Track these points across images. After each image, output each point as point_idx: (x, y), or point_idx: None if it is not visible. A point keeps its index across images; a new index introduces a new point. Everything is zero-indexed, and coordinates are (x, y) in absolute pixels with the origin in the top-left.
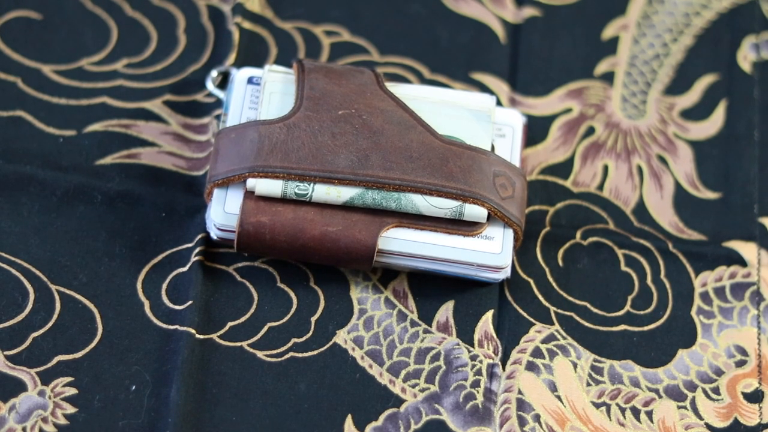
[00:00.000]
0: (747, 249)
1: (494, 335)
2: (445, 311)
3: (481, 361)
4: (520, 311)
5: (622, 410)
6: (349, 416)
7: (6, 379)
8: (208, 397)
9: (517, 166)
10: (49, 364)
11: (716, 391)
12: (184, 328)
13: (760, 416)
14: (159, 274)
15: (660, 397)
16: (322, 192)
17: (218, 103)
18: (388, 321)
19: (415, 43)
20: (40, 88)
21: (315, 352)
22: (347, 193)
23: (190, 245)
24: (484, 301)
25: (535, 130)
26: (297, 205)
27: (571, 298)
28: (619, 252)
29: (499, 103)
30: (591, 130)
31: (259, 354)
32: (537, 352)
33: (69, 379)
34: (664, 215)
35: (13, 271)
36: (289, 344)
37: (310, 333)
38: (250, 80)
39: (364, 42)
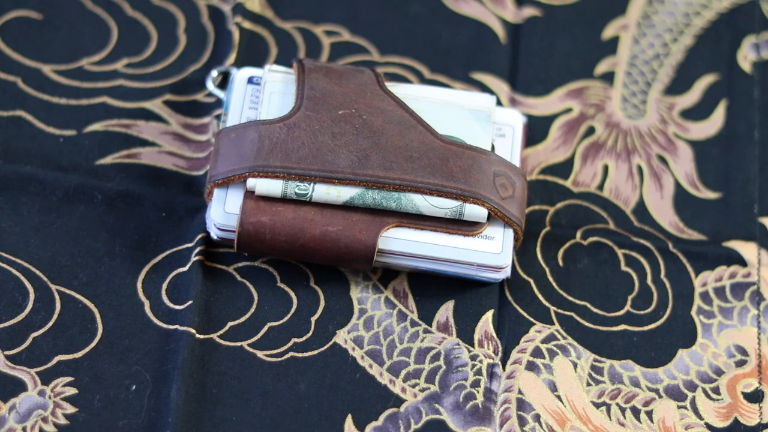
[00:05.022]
0: (747, 249)
1: (494, 335)
2: (445, 311)
3: (481, 361)
4: (520, 311)
5: (622, 410)
6: (349, 416)
7: (6, 378)
8: (208, 397)
9: (517, 166)
10: (49, 364)
11: (716, 390)
12: (184, 328)
13: (760, 416)
14: (159, 274)
15: (660, 396)
16: (323, 192)
17: (218, 102)
18: (388, 321)
19: (415, 43)
20: (40, 88)
21: (315, 352)
22: (347, 193)
23: (190, 245)
24: (484, 301)
25: (535, 130)
26: (297, 205)
27: (571, 298)
28: (619, 252)
29: (499, 103)
30: (591, 130)
31: (259, 354)
32: (537, 352)
33: (69, 378)
34: (664, 215)
35: (14, 271)
36: (289, 344)
37: (310, 333)
38: (250, 80)
39: (364, 42)
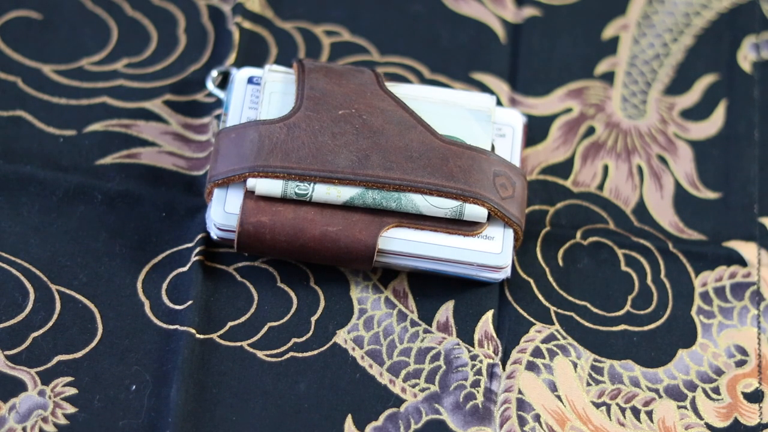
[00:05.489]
0: (747, 249)
1: (494, 335)
2: (445, 311)
3: (481, 361)
4: (520, 311)
5: (622, 410)
6: (349, 416)
7: (6, 378)
8: (208, 397)
9: (517, 166)
10: (49, 364)
11: (716, 390)
12: (184, 328)
13: (760, 416)
14: (159, 273)
15: (660, 396)
16: (323, 192)
17: (218, 102)
18: (388, 321)
19: (415, 43)
20: (41, 88)
21: (315, 352)
22: (347, 193)
23: (190, 245)
24: (484, 301)
25: (535, 130)
26: (297, 205)
27: (571, 298)
28: (620, 252)
29: (499, 102)
30: (591, 130)
31: (260, 354)
32: (537, 352)
33: (69, 378)
34: (664, 215)
35: (14, 271)
36: (289, 344)
37: (310, 333)
38: (250, 80)
39: (364, 42)
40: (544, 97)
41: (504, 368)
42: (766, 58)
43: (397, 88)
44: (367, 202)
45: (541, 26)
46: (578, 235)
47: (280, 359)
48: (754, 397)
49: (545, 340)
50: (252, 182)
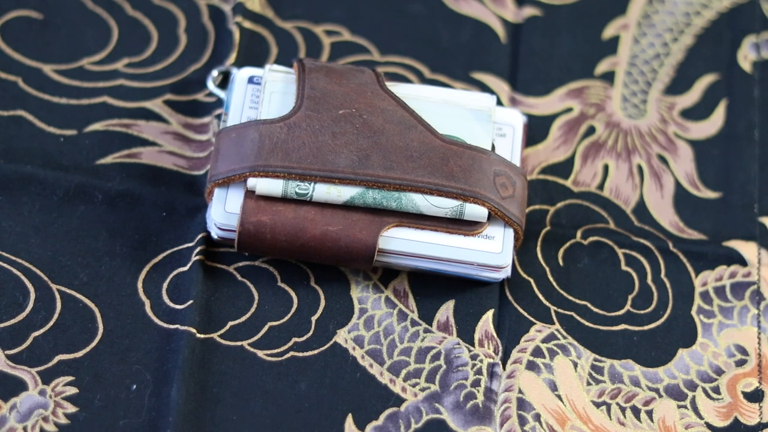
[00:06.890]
0: (747, 248)
1: (495, 335)
2: (446, 311)
3: (481, 361)
4: (521, 311)
5: (623, 409)
6: (350, 415)
7: (7, 378)
8: (208, 397)
9: (517, 166)
10: (50, 364)
11: (716, 390)
12: (185, 328)
13: (760, 415)
14: (159, 273)
15: (660, 396)
16: (323, 191)
17: (219, 102)
18: (388, 320)
19: (416, 43)
20: (41, 88)
21: (315, 352)
22: (348, 193)
23: (190, 245)
24: (484, 300)
25: (536, 130)
26: (297, 205)
27: (571, 298)
28: (620, 251)
29: (499, 102)
30: (591, 130)
31: (260, 353)
32: (537, 352)
33: (70, 378)
34: (665, 215)
35: (14, 271)
36: (290, 344)
37: (311, 332)
38: (250, 80)
39: (365, 42)
40: (544, 97)
41: (504, 368)
42: (766, 58)
43: (397, 88)
44: (367, 201)
45: (541, 26)
46: (578, 234)
47: (280, 359)
48: (754, 396)
49: (545, 340)
50: (252, 182)
